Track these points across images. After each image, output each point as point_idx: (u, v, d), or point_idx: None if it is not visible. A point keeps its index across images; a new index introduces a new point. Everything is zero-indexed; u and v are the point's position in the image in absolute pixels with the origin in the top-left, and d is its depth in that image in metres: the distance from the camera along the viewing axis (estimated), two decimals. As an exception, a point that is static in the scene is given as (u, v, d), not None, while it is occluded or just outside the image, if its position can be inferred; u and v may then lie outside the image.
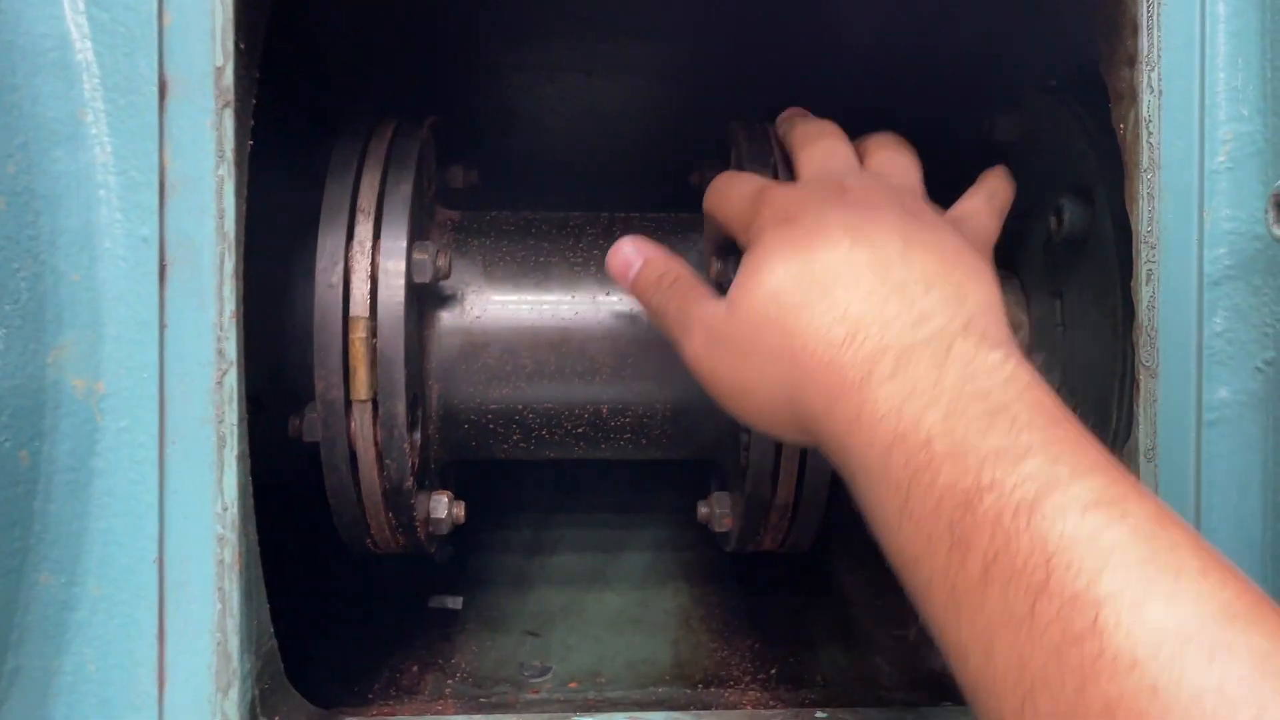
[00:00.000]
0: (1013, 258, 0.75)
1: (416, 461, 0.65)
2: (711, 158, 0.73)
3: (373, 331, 0.61)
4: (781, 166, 0.67)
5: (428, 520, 0.69)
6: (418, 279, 0.63)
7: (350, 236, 0.62)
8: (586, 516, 1.00)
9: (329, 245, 0.62)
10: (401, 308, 0.61)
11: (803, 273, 0.50)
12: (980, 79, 0.82)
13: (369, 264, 0.62)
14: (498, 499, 0.98)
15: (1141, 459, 0.52)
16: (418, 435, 0.66)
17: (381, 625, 0.88)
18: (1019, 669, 0.36)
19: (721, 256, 0.64)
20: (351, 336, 0.61)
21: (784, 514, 0.70)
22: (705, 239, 0.67)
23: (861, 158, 0.60)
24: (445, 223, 0.73)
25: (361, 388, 0.61)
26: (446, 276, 0.66)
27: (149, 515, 0.49)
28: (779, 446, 0.67)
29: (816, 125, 0.64)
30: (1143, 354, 0.52)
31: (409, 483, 0.64)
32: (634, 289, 0.61)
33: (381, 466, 0.63)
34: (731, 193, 0.59)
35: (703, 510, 0.77)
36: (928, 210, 0.55)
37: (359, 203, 0.63)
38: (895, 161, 0.59)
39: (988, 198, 0.62)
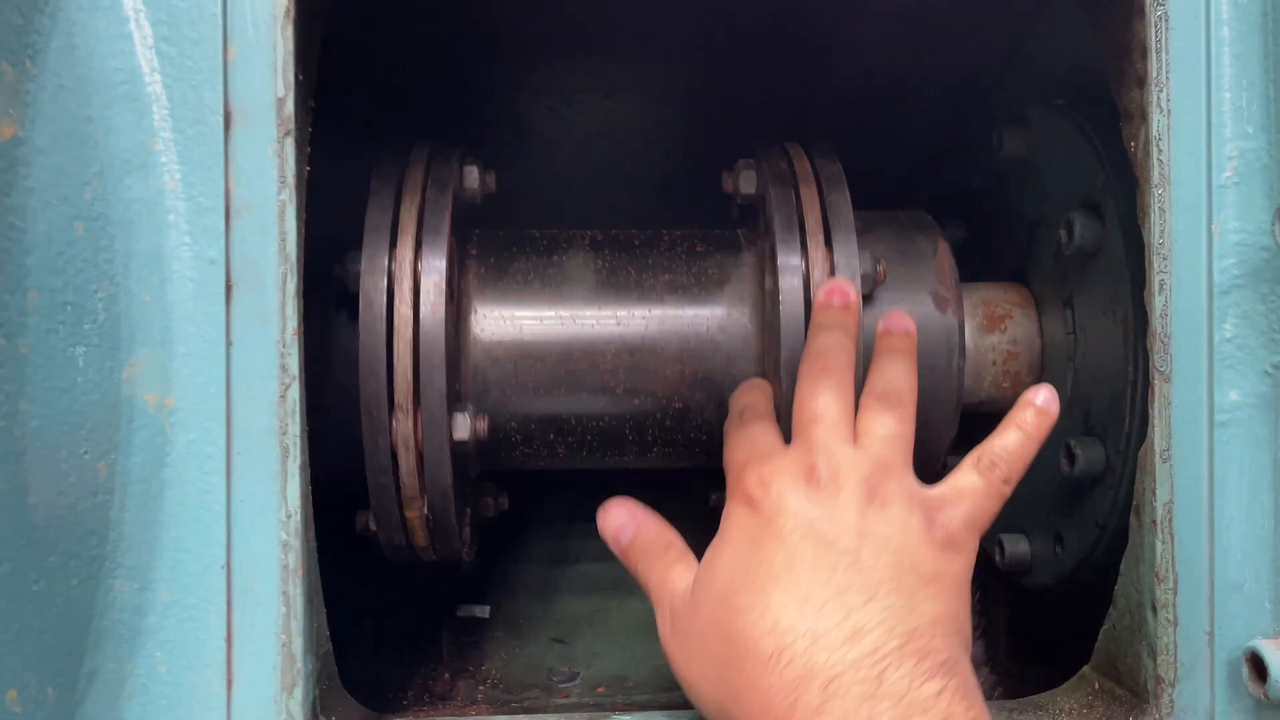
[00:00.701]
0: (1023, 269, 0.78)
1: (456, 470, 0.68)
2: (745, 158, 0.75)
3: (415, 342, 0.63)
4: (790, 198, 0.69)
5: (467, 529, 0.71)
6: (459, 292, 0.66)
7: (393, 250, 0.65)
8: (607, 526, 1.02)
9: (372, 258, 0.64)
10: (442, 319, 0.64)
11: (747, 571, 0.49)
12: (989, 97, 0.85)
13: (411, 276, 0.64)
14: (520, 510, 1.00)
15: (1157, 459, 0.55)
16: (458, 438, 0.69)
17: (411, 634, 0.90)
18: None
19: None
20: (395, 348, 0.63)
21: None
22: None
23: (861, 402, 0.57)
24: (482, 239, 0.76)
25: (404, 395, 0.63)
26: (485, 288, 0.69)
27: (217, 523, 0.51)
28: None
29: (828, 350, 0.59)
30: (1157, 359, 0.55)
31: (450, 492, 0.66)
32: (624, 558, 0.61)
33: (423, 476, 0.66)
34: (727, 453, 0.59)
35: (714, 497, 0.79)
36: (901, 491, 0.52)
37: (400, 217, 0.66)
38: (881, 424, 0.55)
39: (990, 469, 0.55)
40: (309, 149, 0.54)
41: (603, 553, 1.00)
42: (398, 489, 0.67)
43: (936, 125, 0.92)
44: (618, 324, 0.72)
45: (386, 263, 0.65)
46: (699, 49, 0.92)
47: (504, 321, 0.72)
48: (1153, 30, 0.55)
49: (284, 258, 0.52)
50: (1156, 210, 0.55)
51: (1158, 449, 0.55)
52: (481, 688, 0.85)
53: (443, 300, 0.65)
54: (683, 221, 0.81)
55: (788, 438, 0.57)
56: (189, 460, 0.51)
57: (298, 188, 0.52)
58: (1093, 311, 0.69)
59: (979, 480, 0.54)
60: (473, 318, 0.71)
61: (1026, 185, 0.78)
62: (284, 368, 0.52)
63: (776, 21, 0.87)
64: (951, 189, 0.91)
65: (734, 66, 0.93)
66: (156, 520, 0.51)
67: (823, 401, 0.56)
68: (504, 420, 0.73)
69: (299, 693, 0.51)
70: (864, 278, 0.66)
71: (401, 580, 0.91)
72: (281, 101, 0.52)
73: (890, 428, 0.55)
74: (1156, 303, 0.55)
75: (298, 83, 0.52)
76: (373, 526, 0.72)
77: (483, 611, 0.93)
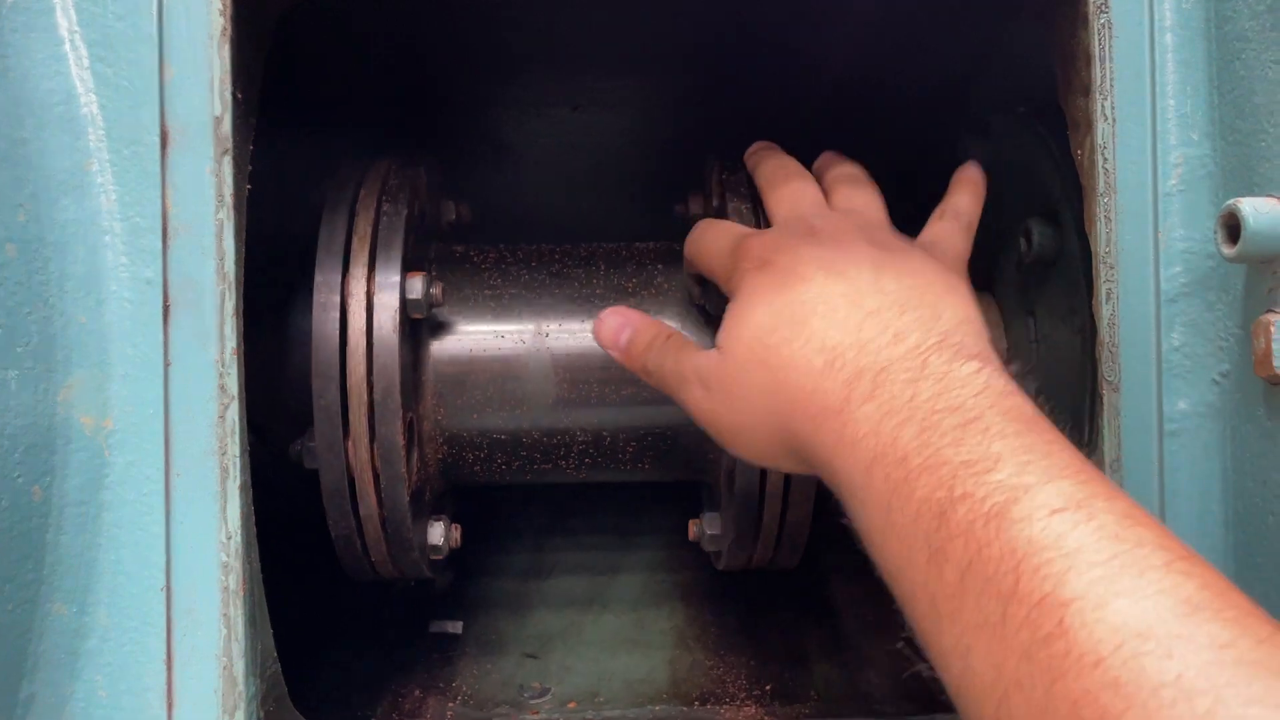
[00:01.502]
0: (988, 278, 0.77)
1: (413, 488, 0.67)
2: (694, 189, 0.75)
3: (368, 360, 0.63)
4: (755, 203, 0.70)
5: (426, 546, 0.71)
6: (411, 310, 0.65)
7: (346, 269, 0.64)
8: (582, 540, 1.02)
9: (325, 277, 0.64)
10: (396, 337, 0.63)
11: (781, 310, 0.52)
12: (951, 107, 0.85)
13: (364, 294, 0.64)
14: (494, 524, 1.00)
15: (1107, 469, 0.54)
16: (415, 460, 0.68)
17: (383, 650, 0.90)
18: (994, 672, 0.37)
19: (700, 283, 0.67)
20: (348, 365, 0.63)
21: (771, 533, 0.72)
22: (685, 272, 0.70)
23: (826, 193, 0.63)
24: (438, 256, 0.75)
25: (359, 413, 0.63)
26: (439, 305, 0.68)
27: (156, 545, 0.51)
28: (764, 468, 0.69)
29: (782, 165, 0.66)
30: (1105, 369, 0.54)
31: (405, 509, 0.66)
32: (627, 356, 0.62)
33: (379, 493, 0.65)
34: (711, 245, 0.61)
35: (693, 529, 0.79)
36: (896, 239, 0.57)
37: (354, 236, 0.66)
38: (858, 196, 0.62)
39: (954, 217, 0.64)
40: (250, 167, 0.54)
41: (577, 566, 1.01)
42: (355, 508, 0.67)
43: (911, 135, 0.92)
44: (588, 340, 0.72)
45: (340, 279, 0.64)
46: (670, 61, 0.92)
47: (460, 337, 0.71)
48: (1097, 38, 0.54)
49: (222, 277, 0.51)
50: (1103, 219, 0.54)
51: (1108, 459, 0.54)
52: (451, 704, 0.85)
53: (396, 317, 0.64)
54: (655, 233, 0.80)
55: None
56: (127, 482, 0.51)
57: (236, 207, 0.52)
58: (1053, 320, 0.68)
59: (951, 224, 0.63)
60: (427, 333, 0.71)
61: (991, 194, 0.78)
62: (223, 388, 0.51)
63: (748, 33, 0.87)
64: (926, 198, 0.90)
65: (705, 79, 0.93)
66: (95, 543, 0.51)
67: (796, 187, 0.62)
68: (465, 437, 0.72)
69: (240, 715, 0.51)
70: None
71: (373, 596, 0.91)
72: (219, 120, 0.52)
73: (867, 196, 0.61)
74: (1104, 312, 0.54)
75: (236, 101, 0.52)
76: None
77: (455, 627, 0.92)
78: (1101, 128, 0.54)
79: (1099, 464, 0.55)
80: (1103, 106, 0.54)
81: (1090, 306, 0.60)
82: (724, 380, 0.54)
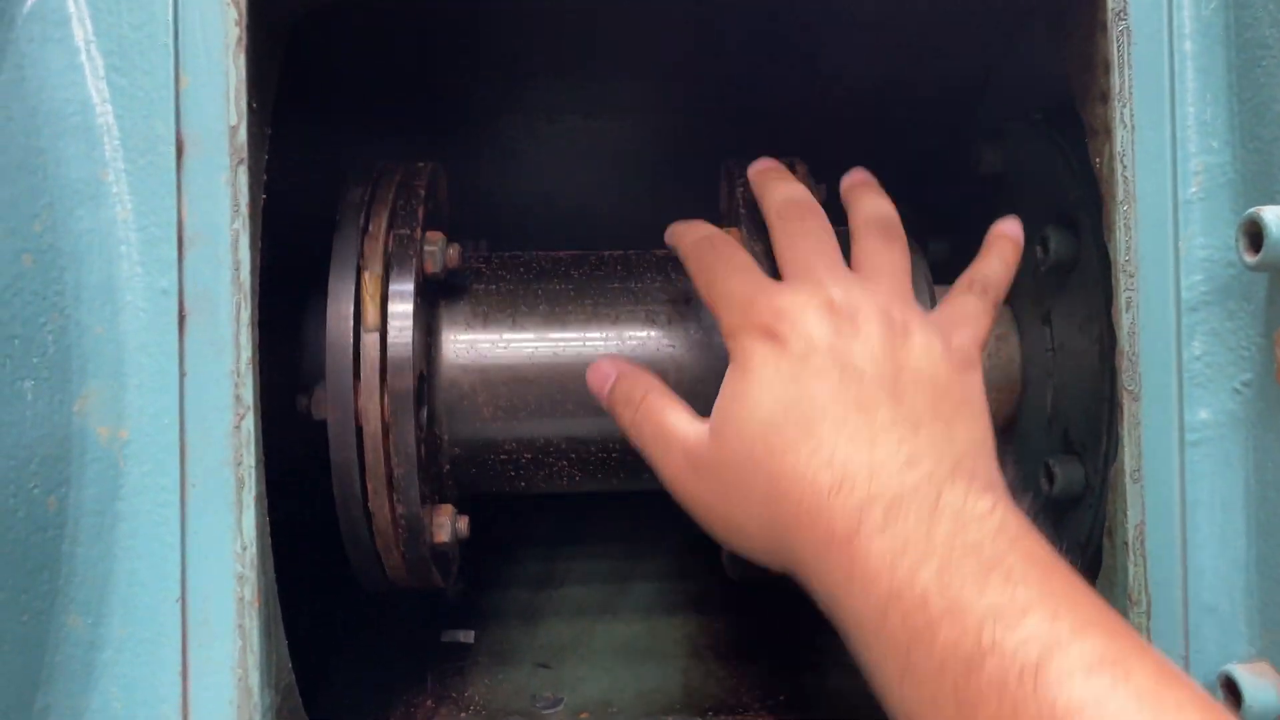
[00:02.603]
0: (1003, 286, 0.77)
1: (428, 482, 0.67)
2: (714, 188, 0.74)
3: (383, 354, 0.63)
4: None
5: (432, 531, 0.70)
6: (426, 302, 0.65)
7: (360, 264, 0.65)
8: (593, 549, 1.01)
9: (340, 272, 0.64)
10: (409, 339, 0.63)
11: (790, 408, 0.49)
12: (966, 114, 0.85)
13: (379, 289, 0.64)
14: (505, 534, 0.99)
15: (1128, 480, 0.54)
16: (424, 414, 0.68)
17: (395, 660, 0.89)
18: None
19: None
20: (363, 357, 0.63)
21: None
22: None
23: (851, 235, 0.59)
24: (453, 255, 0.75)
25: (371, 318, 0.63)
26: (456, 265, 0.68)
27: (171, 556, 0.50)
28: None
29: (794, 201, 0.61)
30: (1125, 378, 0.54)
31: (418, 499, 0.65)
32: (609, 404, 0.60)
33: (392, 490, 0.65)
34: (723, 285, 0.56)
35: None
36: (916, 318, 0.53)
37: (369, 230, 0.66)
38: (884, 254, 0.57)
39: (983, 292, 0.58)
40: (265, 177, 0.54)
41: (589, 576, 1.00)
42: (368, 517, 0.66)
43: (921, 141, 0.92)
44: (602, 345, 0.72)
45: (354, 286, 0.64)
46: (682, 67, 0.92)
47: (476, 345, 0.71)
48: (1115, 45, 0.54)
49: (238, 287, 0.51)
50: (1122, 227, 0.54)
51: (1128, 469, 0.54)
52: (464, 714, 0.84)
53: (410, 324, 0.64)
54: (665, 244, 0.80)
55: None
56: (142, 493, 0.51)
57: (252, 216, 0.52)
58: (1070, 328, 0.68)
59: (977, 301, 0.57)
60: (444, 342, 0.71)
61: (1005, 201, 0.78)
62: (238, 398, 0.51)
63: (759, 39, 0.87)
64: (936, 205, 0.90)
65: (717, 84, 0.93)
66: (110, 554, 0.50)
67: (814, 241, 0.56)
68: (479, 445, 0.72)
69: (256, 727, 0.51)
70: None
71: (384, 607, 0.91)
72: (234, 130, 0.51)
73: (893, 255, 0.57)
74: (1124, 320, 0.54)
75: (251, 111, 0.52)
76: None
77: (467, 637, 0.92)
78: (1120, 135, 0.54)
79: (1119, 474, 0.54)
80: (1121, 114, 0.54)
81: (1108, 314, 0.60)
82: (714, 467, 0.52)
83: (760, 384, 0.51)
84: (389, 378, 0.63)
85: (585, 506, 1.03)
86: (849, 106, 0.91)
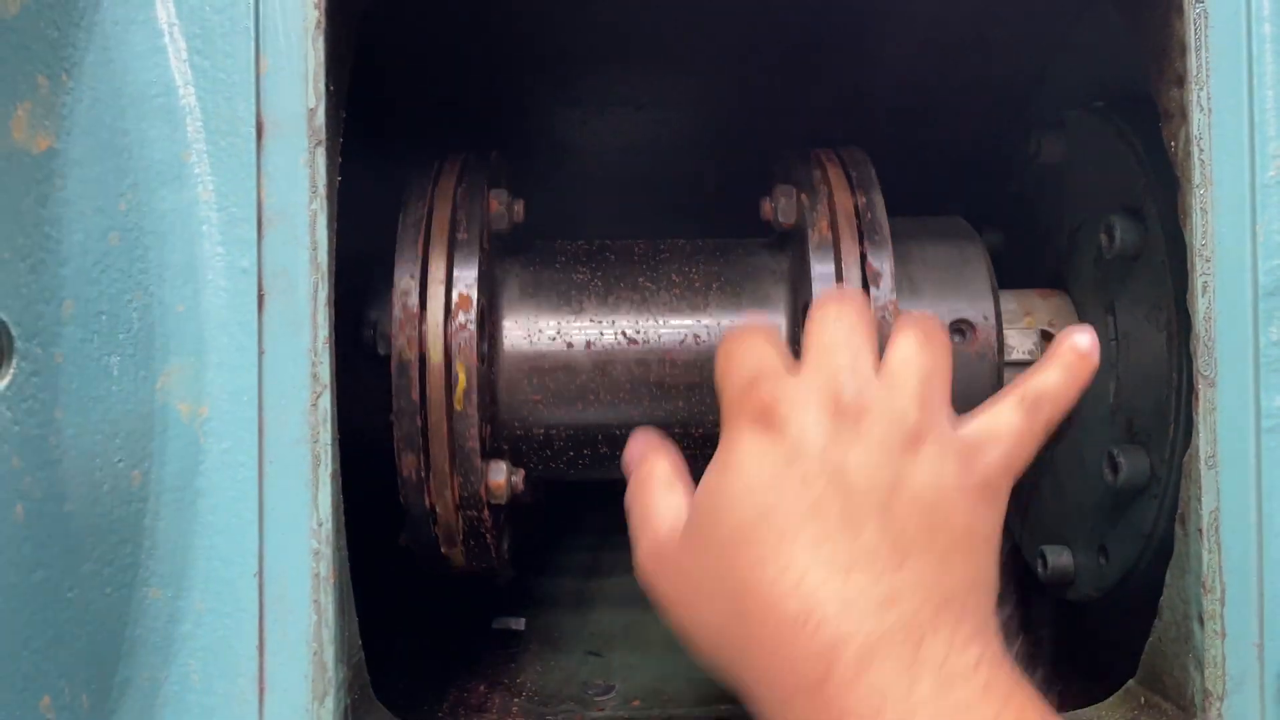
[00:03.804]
0: (1063, 275, 0.76)
1: (485, 427, 0.67)
2: (782, 182, 0.74)
3: (446, 348, 0.64)
4: (824, 204, 0.69)
5: (489, 482, 0.70)
6: (487, 287, 0.67)
7: (425, 253, 0.66)
8: (643, 539, 1.02)
9: (403, 260, 0.65)
10: (473, 319, 0.64)
11: (765, 516, 0.45)
12: (1026, 102, 0.84)
13: (444, 275, 0.65)
14: (555, 523, 1.00)
15: (1203, 466, 0.53)
16: (485, 346, 0.68)
17: (447, 646, 0.90)
18: None
19: None
20: (427, 352, 0.64)
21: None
22: None
23: (893, 331, 0.52)
24: (511, 245, 0.76)
25: (437, 387, 0.63)
26: (521, 221, 0.70)
27: (249, 532, 0.51)
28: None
29: (843, 292, 0.58)
30: (1201, 364, 0.53)
31: (473, 405, 0.65)
32: (626, 473, 0.57)
33: (454, 474, 0.65)
34: (733, 360, 0.51)
35: None
36: (936, 430, 0.47)
37: (433, 219, 0.67)
38: (915, 353, 0.50)
39: (1033, 411, 0.50)
40: (340, 159, 0.54)
41: (638, 565, 1.00)
42: (431, 508, 0.67)
43: (974, 131, 0.91)
44: (660, 333, 0.72)
45: (419, 272, 0.65)
46: (733, 60, 0.92)
47: (535, 334, 0.72)
48: (1192, 28, 0.54)
49: (315, 267, 0.52)
50: (1198, 211, 0.53)
51: (1203, 455, 0.53)
52: (516, 700, 0.85)
53: (474, 307, 0.65)
54: (715, 233, 0.80)
55: None
56: (222, 469, 0.51)
57: (329, 197, 0.52)
58: (1135, 317, 0.67)
59: (1021, 420, 0.49)
60: (503, 331, 0.71)
61: (1065, 190, 0.77)
62: (315, 376, 0.52)
63: (811, 31, 0.87)
64: (989, 195, 0.90)
65: (768, 77, 0.93)
66: (190, 528, 0.51)
67: (845, 326, 0.50)
68: (535, 432, 0.73)
69: (330, 701, 0.51)
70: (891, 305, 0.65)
71: (437, 592, 0.92)
72: (313, 112, 0.52)
73: (927, 357, 0.49)
74: (1200, 306, 0.54)
75: (328, 93, 0.53)
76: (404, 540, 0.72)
77: (518, 624, 0.93)
78: (1197, 119, 0.53)
79: (1194, 460, 0.54)
80: (1198, 97, 0.53)
81: (1178, 301, 0.59)
82: (684, 570, 0.48)
83: (740, 481, 0.46)
84: (451, 327, 0.64)
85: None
86: (901, 96, 0.91)
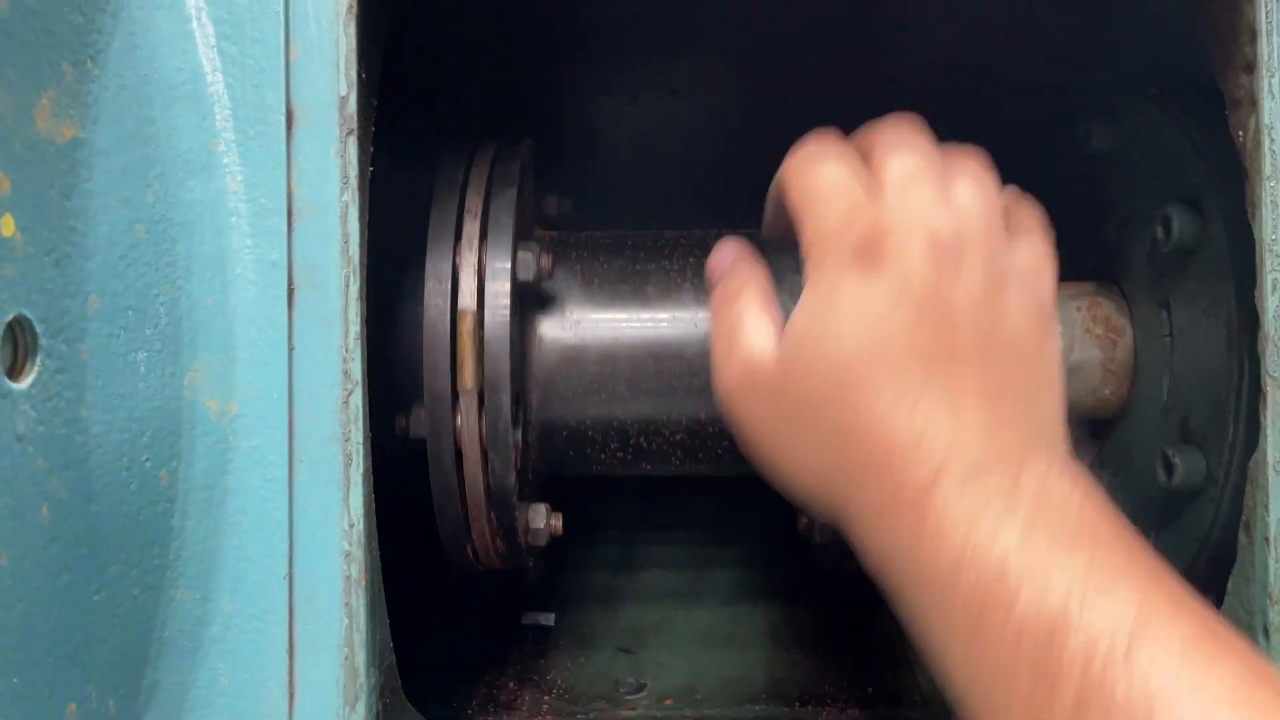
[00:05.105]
0: (1113, 268, 0.74)
1: (519, 460, 0.66)
2: None
3: (479, 324, 0.63)
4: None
5: (527, 529, 0.70)
6: (522, 276, 0.65)
7: (458, 236, 0.64)
8: (673, 534, 1.00)
9: (437, 246, 0.64)
10: (508, 300, 0.63)
11: (877, 348, 0.45)
12: (1074, 88, 0.81)
13: (476, 261, 0.64)
14: (585, 516, 0.98)
15: (1271, 472, 0.51)
16: (519, 434, 0.67)
17: (475, 641, 0.89)
18: None
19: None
20: (459, 329, 0.62)
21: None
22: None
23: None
24: (544, 237, 0.74)
25: (468, 378, 0.62)
26: (549, 276, 0.68)
27: (279, 532, 0.50)
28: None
29: (897, 116, 0.54)
30: (1269, 364, 0.51)
31: (512, 480, 0.65)
32: (710, 287, 0.56)
33: (486, 461, 0.64)
34: (817, 191, 0.49)
35: (803, 521, 0.77)
36: (1009, 267, 0.49)
37: (466, 205, 0.66)
38: (982, 199, 0.50)
39: (1044, 235, 0.53)
40: (371, 148, 0.53)
41: (669, 560, 0.99)
42: (462, 492, 0.66)
43: (1018, 117, 0.88)
44: (694, 326, 0.70)
45: (450, 257, 0.64)
46: (768, 43, 0.90)
47: (573, 323, 0.70)
48: (1262, 11, 0.51)
49: (347, 260, 0.50)
50: (1269, 204, 0.51)
51: (1271, 461, 0.51)
52: (547, 698, 0.84)
53: (508, 296, 0.63)
54: (752, 223, 0.78)
55: None
56: (251, 468, 0.50)
57: (360, 188, 0.51)
58: (1192, 313, 0.65)
59: (1045, 243, 0.52)
60: (539, 318, 0.70)
61: (1116, 180, 0.74)
62: (346, 373, 0.50)
63: (848, 13, 0.84)
64: (1032, 184, 0.87)
65: (805, 62, 0.91)
66: (218, 529, 0.50)
67: (918, 158, 0.49)
68: (572, 425, 0.71)
69: (362, 706, 0.50)
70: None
71: (465, 588, 0.90)
72: (344, 100, 0.50)
73: (990, 191, 0.50)
74: (1270, 304, 0.51)
75: (360, 81, 0.51)
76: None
77: (547, 619, 0.91)
78: (1268, 106, 0.51)
79: (1261, 465, 0.51)
80: (1269, 84, 0.51)
81: (1239, 297, 0.57)
82: (775, 392, 0.48)
83: (848, 313, 0.46)
84: (487, 360, 0.63)
85: (664, 490, 1.02)
86: (941, 81, 0.88)
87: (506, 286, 0.64)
